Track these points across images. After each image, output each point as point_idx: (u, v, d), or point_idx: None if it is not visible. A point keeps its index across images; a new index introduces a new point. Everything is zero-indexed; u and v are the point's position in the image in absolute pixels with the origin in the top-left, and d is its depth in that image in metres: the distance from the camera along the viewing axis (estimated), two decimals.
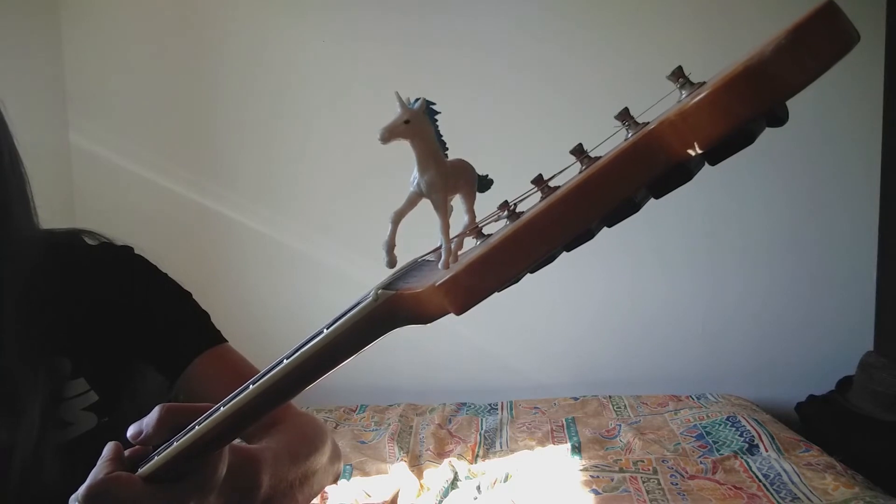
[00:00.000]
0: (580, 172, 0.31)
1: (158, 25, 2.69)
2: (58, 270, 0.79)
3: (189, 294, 0.86)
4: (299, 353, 0.42)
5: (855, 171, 2.49)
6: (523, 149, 2.45)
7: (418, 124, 0.37)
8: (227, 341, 0.84)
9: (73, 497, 0.51)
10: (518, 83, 2.56)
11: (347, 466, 1.97)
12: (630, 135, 0.30)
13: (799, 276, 2.53)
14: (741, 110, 0.25)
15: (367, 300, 0.39)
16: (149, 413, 0.52)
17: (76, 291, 0.79)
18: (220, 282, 2.67)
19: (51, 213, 0.83)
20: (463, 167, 0.40)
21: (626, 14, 2.52)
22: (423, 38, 2.59)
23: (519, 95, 2.56)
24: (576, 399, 2.46)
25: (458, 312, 0.33)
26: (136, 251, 0.86)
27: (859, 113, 2.46)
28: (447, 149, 0.39)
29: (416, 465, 2.02)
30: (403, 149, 0.38)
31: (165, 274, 0.86)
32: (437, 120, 0.38)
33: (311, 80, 2.64)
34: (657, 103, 0.33)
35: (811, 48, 0.24)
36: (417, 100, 0.38)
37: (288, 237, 2.69)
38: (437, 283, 0.33)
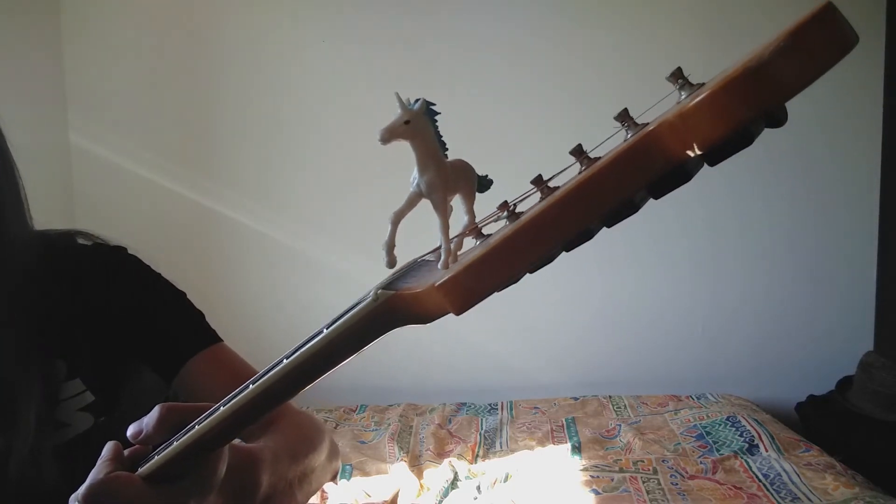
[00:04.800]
0: (579, 173, 0.31)
1: (158, 26, 2.69)
2: (51, 272, 0.79)
3: (183, 294, 0.85)
4: (299, 352, 0.43)
5: (855, 171, 2.49)
6: (522, 148, 2.45)
7: (418, 125, 0.37)
8: (222, 340, 0.84)
9: (72, 497, 0.51)
10: (518, 83, 2.56)
11: (347, 466, 1.97)
12: (629, 136, 0.30)
13: (799, 276, 2.53)
14: (740, 112, 0.25)
15: (367, 300, 0.39)
16: (146, 412, 0.52)
17: (70, 292, 0.79)
18: (219, 281, 2.67)
19: (51, 214, 0.83)
20: (463, 167, 0.40)
21: (628, 14, 2.52)
22: (423, 38, 2.59)
23: (519, 95, 2.56)
24: (576, 399, 2.46)
25: (458, 312, 0.33)
26: (130, 251, 0.86)
27: (859, 113, 2.46)
28: (447, 149, 0.39)
29: (416, 465, 2.02)
30: (403, 149, 0.38)
31: (159, 274, 0.86)
32: (436, 120, 0.38)
33: (312, 81, 2.64)
34: (657, 104, 0.33)
35: (810, 50, 0.24)
36: (417, 100, 0.38)
37: (287, 237, 2.69)
38: (436, 284, 0.33)
